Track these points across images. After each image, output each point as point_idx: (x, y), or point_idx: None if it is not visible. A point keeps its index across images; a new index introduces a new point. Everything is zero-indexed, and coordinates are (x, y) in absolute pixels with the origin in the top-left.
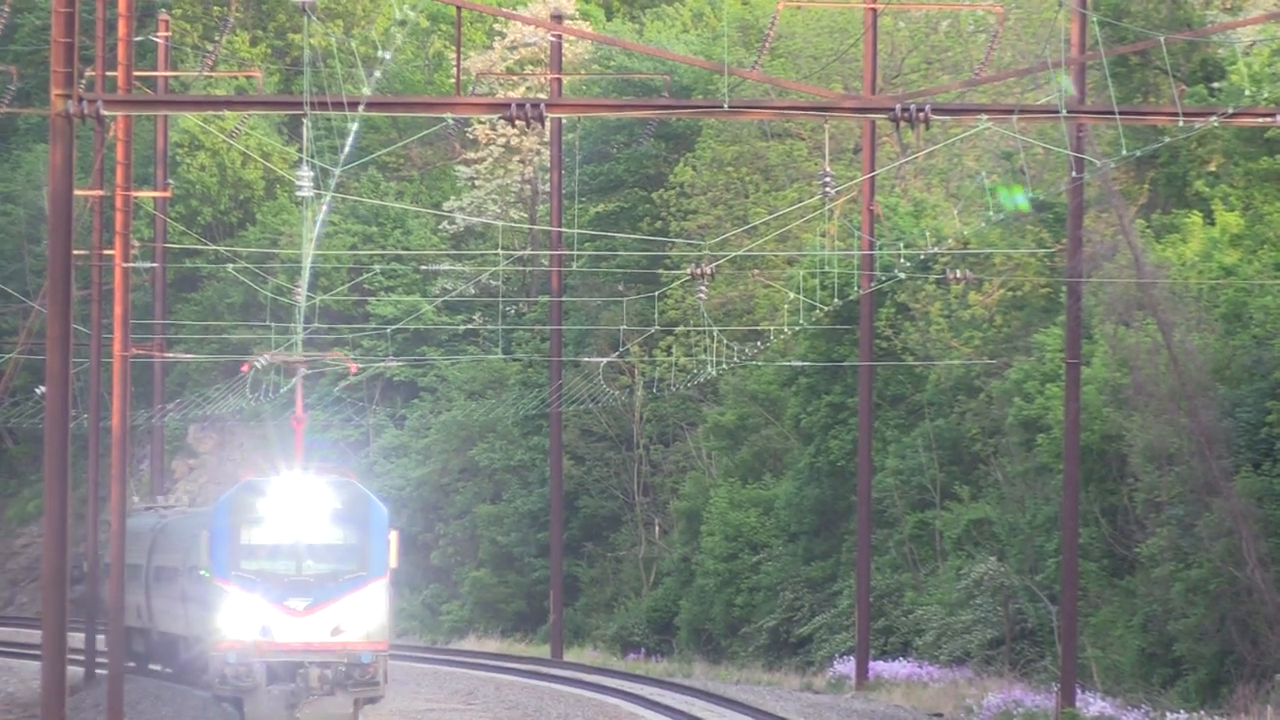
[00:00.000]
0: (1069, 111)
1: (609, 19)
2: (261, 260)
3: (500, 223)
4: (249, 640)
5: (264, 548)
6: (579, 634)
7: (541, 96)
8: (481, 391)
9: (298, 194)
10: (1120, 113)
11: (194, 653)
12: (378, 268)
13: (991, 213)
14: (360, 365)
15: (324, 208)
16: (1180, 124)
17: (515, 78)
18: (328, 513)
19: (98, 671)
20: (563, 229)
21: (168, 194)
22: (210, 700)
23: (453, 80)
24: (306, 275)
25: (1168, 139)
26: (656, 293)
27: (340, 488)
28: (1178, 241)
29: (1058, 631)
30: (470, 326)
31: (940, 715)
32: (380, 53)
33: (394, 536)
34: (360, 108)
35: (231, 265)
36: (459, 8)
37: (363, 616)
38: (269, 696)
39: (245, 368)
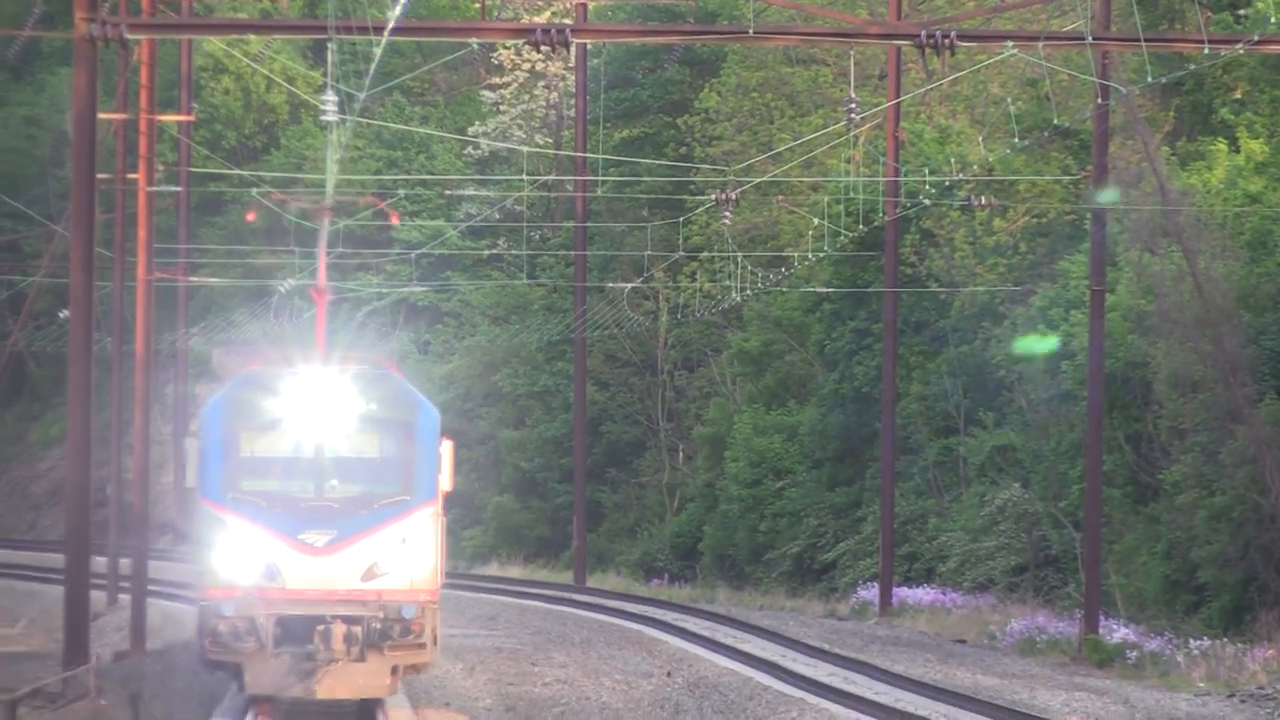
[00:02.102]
0: (1094, 38)
1: None
2: (285, 184)
3: (525, 148)
4: (250, 586)
5: (273, 463)
6: (602, 560)
7: (567, 22)
8: (505, 317)
9: (322, 118)
10: (1146, 40)
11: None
12: (402, 193)
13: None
14: (385, 291)
15: (348, 132)
16: (1205, 51)
17: (540, 3)
18: (359, 416)
19: (120, 595)
20: (587, 154)
21: (192, 118)
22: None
23: (478, 5)
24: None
25: (1193, 66)
26: (681, 218)
27: (376, 382)
28: (1203, 169)
29: (1081, 558)
30: (494, 252)
31: (964, 641)
32: None
33: (448, 448)
34: (385, 32)
35: (255, 189)
36: None
37: (405, 555)
38: (277, 662)
39: (251, 215)
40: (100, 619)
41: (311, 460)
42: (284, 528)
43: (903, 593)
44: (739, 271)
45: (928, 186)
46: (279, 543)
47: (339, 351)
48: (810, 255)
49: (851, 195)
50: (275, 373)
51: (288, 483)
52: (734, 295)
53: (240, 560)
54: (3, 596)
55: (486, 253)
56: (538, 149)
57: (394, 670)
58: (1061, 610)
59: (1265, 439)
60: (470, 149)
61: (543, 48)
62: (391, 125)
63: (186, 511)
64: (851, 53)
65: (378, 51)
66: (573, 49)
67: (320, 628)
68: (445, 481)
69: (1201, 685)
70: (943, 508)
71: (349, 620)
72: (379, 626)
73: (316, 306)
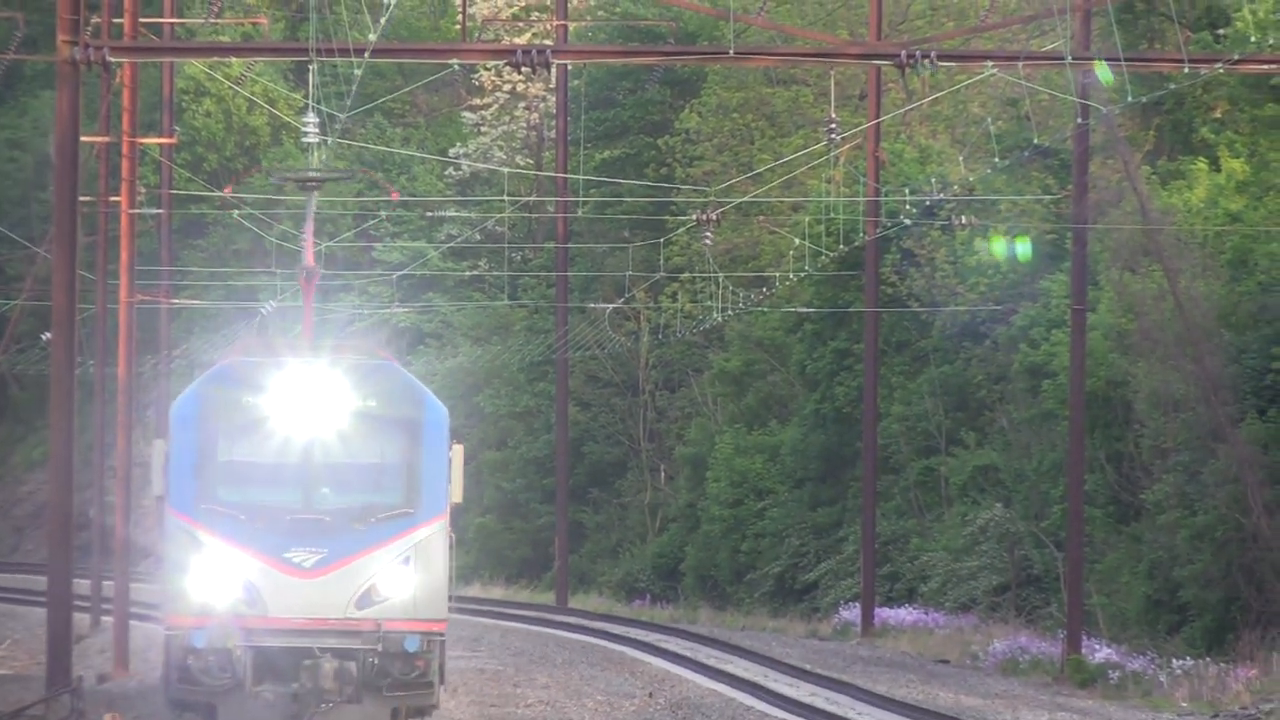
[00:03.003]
0: (1074, 58)
1: None
2: (267, 206)
3: (506, 169)
4: (226, 613)
5: (254, 469)
6: (584, 580)
7: (547, 43)
8: (487, 338)
9: (303, 140)
10: (1126, 59)
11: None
12: (383, 214)
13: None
14: (366, 313)
15: (329, 153)
16: (1186, 70)
17: (521, 24)
18: (354, 413)
19: (103, 618)
20: (568, 175)
21: (173, 140)
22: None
23: (458, 26)
24: (310, 221)
25: (1173, 85)
26: (662, 239)
27: (374, 375)
28: (1183, 188)
29: (1063, 578)
30: (476, 272)
31: (946, 662)
32: None
33: (458, 453)
34: (366, 54)
35: (237, 211)
36: None
37: (408, 578)
38: (256, 702)
39: (228, 189)
40: (83, 641)
41: (299, 466)
42: (266, 545)
43: (885, 613)
44: (720, 292)
45: (908, 206)
46: (260, 562)
47: (330, 339)
48: (791, 275)
49: (832, 215)
50: (257, 364)
51: (271, 492)
52: (715, 315)
53: (214, 582)
54: None
55: (468, 274)
56: (519, 170)
57: (394, 713)
58: (1044, 630)
59: (1247, 458)
60: (451, 170)
61: (523, 69)
62: (372, 146)
63: (154, 524)
64: (832, 73)
65: (358, 73)
66: (553, 70)
67: (307, 663)
68: (455, 491)
69: (1184, 705)
70: (924, 527)
71: (341, 654)
72: (377, 662)
73: (303, 292)
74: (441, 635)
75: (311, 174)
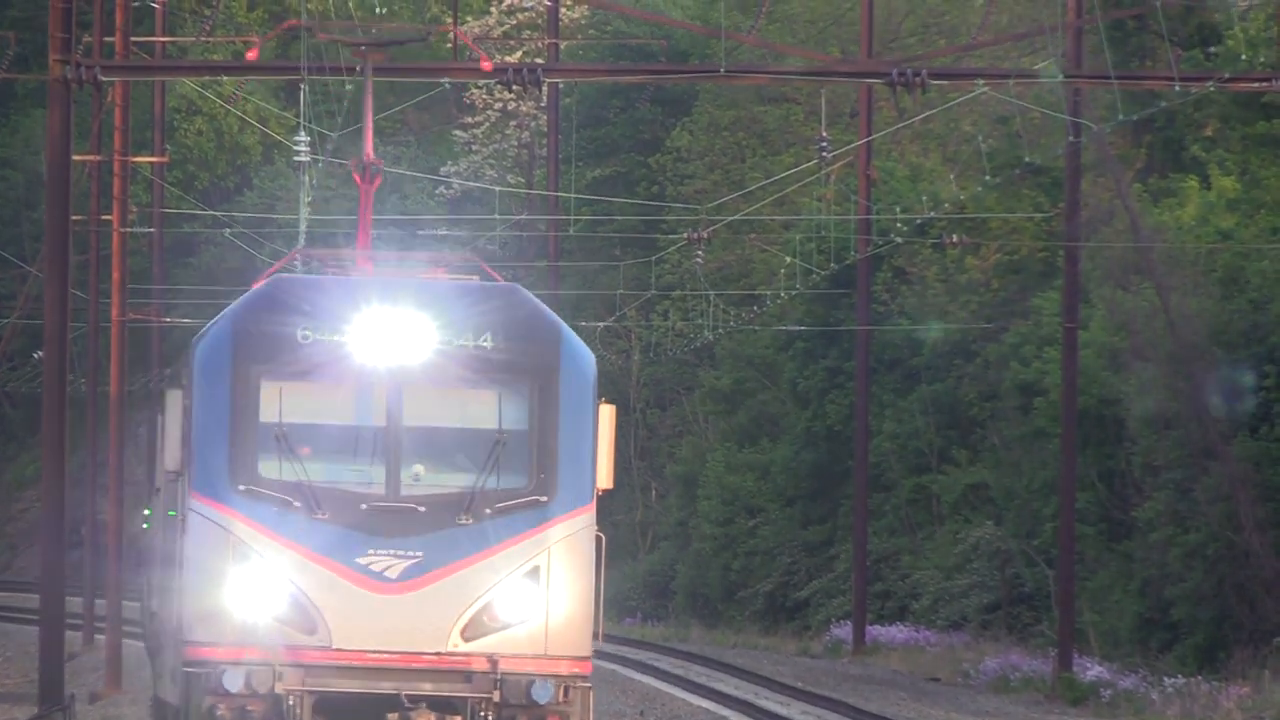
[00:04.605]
0: (1066, 76)
1: None
2: (259, 225)
3: (497, 188)
4: (272, 642)
5: (313, 435)
6: None
7: (539, 61)
8: None
9: (295, 159)
10: (1117, 77)
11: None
12: (374, 233)
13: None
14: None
15: (320, 172)
16: (1177, 88)
17: (512, 42)
18: (462, 357)
19: (96, 636)
20: (559, 194)
21: (165, 159)
22: None
23: (449, 45)
24: (303, 240)
25: (1164, 103)
26: (653, 257)
27: (491, 301)
28: (1174, 205)
29: (1055, 596)
30: None
31: (937, 679)
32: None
33: (608, 415)
34: (357, 70)
35: (229, 230)
36: None
37: (537, 597)
38: None
39: (253, 53)
40: (76, 659)
41: (379, 432)
42: (331, 545)
43: (876, 630)
44: (711, 310)
45: (899, 224)
46: (323, 570)
47: (420, 251)
48: (782, 293)
49: (823, 233)
50: (318, 283)
51: (338, 469)
52: (706, 334)
53: (256, 598)
54: None
55: None
56: (510, 189)
57: None
58: (1035, 648)
59: (1239, 476)
60: (442, 189)
61: (515, 87)
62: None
63: (157, 512)
64: (823, 91)
65: (350, 88)
66: (544, 88)
67: (392, 716)
68: (604, 473)
69: None
70: (916, 545)
71: (442, 705)
72: (492, 716)
73: (361, 192)
74: (586, 680)
75: (373, 41)
